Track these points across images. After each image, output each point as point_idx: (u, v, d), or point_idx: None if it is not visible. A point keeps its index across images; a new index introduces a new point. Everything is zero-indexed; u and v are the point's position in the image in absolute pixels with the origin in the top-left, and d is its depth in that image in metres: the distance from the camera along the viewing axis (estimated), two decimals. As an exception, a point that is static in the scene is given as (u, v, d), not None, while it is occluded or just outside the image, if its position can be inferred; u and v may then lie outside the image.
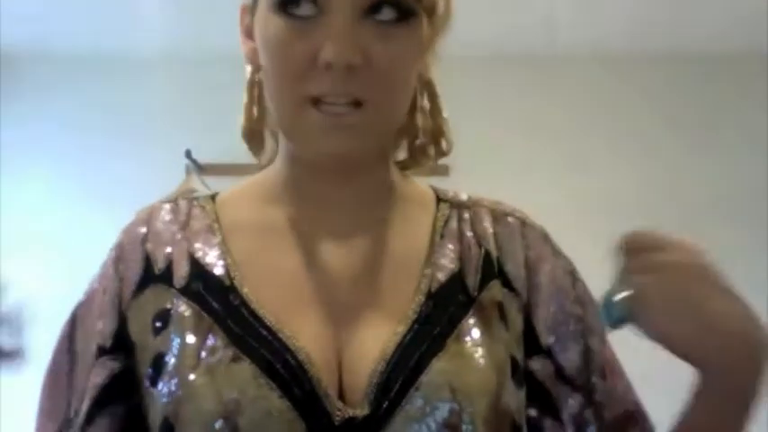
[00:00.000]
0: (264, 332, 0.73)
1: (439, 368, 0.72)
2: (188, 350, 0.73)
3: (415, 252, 0.81)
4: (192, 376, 0.72)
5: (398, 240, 0.81)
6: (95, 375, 0.78)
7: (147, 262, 0.80)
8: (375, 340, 0.74)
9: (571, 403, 0.79)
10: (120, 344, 0.78)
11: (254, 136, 0.86)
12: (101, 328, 0.79)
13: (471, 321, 0.76)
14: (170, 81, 3.02)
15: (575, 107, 3.12)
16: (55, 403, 0.80)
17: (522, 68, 3.09)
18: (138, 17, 2.72)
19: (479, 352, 0.74)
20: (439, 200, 0.86)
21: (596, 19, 2.85)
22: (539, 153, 3.07)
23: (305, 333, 0.74)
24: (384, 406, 0.71)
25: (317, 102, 0.73)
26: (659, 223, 0.78)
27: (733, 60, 3.08)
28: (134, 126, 3.05)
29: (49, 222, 3.02)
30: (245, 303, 0.76)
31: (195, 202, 0.85)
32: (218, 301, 0.76)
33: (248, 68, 0.83)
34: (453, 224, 0.84)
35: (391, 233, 0.82)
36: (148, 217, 0.84)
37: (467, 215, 0.85)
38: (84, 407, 0.77)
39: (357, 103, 0.73)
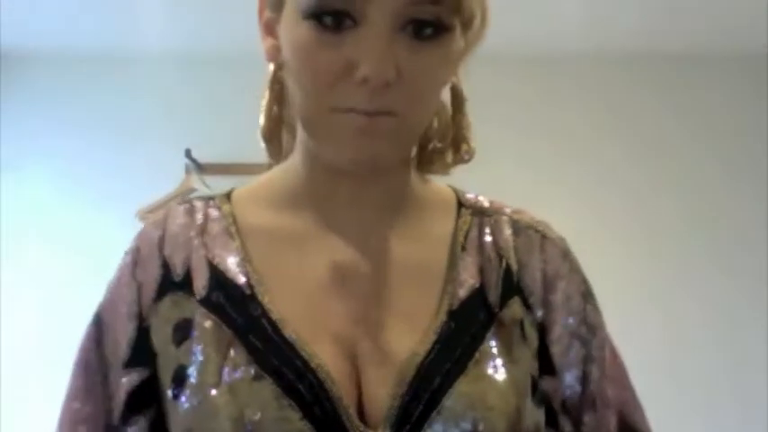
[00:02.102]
0: (285, 348, 0.72)
1: (460, 391, 0.71)
2: (209, 366, 0.72)
3: (436, 263, 0.79)
4: (213, 392, 0.71)
5: (419, 250, 0.80)
6: (123, 385, 0.77)
7: (166, 268, 0.79)
8: (395, 359, 0.72)
9: (565, 425, 0.79)
10: (142, 353, 0.77)
11: (273, 136, 0.82)
12: (121, 340, 0.78)
13: (492, 342, 0.75)
14: (170, 80, 3.02)
15: (576, 106, 3.12)
16: (93, 409, 0.78)
17: (522, 68, 3.09)
18: (139, 16, 2.72)
19: (500, 373, 0.73)
20: (460, 205, 0.85)
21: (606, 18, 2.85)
22: (539, 150, 3.07)
23: (325, 349, 0.73)
24: (406, 429, 0.70)
25: (347, 110, 0.71)
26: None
27: None
28: (134, 125, 3.05)
29: (49, 221, 3.02)
30: (265, 314, 0.74)
31: (211, 203, 0.83)
32: (239, 312, 0.75)
33: (270, 66, 0.79)
34: (474, 234, 0.82)
35: (411, 242, 0.80)
36: (164, 220, 0.82)
37: (488, 225, 0.83)
38: (116, 415, 0.77)
39: (386, 113, 0.71)
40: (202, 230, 0.80)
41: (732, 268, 3.00)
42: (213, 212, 0.82)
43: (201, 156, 2.92)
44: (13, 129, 3.07)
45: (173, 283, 0.78)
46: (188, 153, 2.91)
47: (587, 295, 0.83)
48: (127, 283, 0.80)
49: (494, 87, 3.06)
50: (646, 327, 2.93)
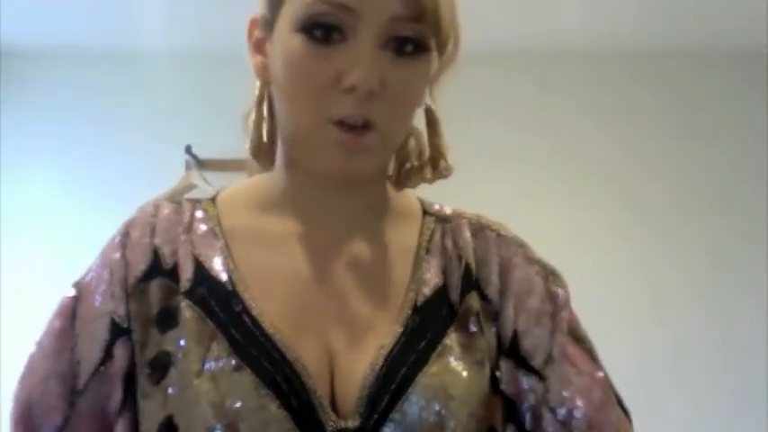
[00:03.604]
0: (264, 341, 0.77)
1: (424, 382, 0.77)
2: (192, 355, 0.76)
3: (402, 266, 0.85)
4: (195, 381, 0.74)
5: (389, 253, 0.86)
6: (120, 358, 0.80)
7: (156, 255, 0.83)
8: (364, 353, 0.78)
9: (530, 397, 0.83)
10: (128, 325, 0.81)
11: (264, 152, 0.86)
12: (113, 308, 0.81)
13: (453, 335, 0.81)
14: (170, 77, 3.02)
15: (576, 104, 3.12)
16: (60, 367, 0.81)
17: (522, 66, 3.09)
18: (139, 13, 2.72)
19: (461, 365, 0.79)
20: (425, 213, 0.90)
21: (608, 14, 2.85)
22: (537, 148, 3.07)
23: (301, 343, 0.77)
24: (374, 418, 0.75)
25: (335, 122, 0.77)
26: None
27: None
28: (134, 121, 3.05)
29: (49, 218, 3.01)
30: (246, 310, 0.79)
31: (197, 205, 0.87)
32: (221, 306, 0.79)
33: (257, 83, 0.85)
34: (437, 238, 0.88)
35: (383, 246, 0.86)
36: (155, 211, 0.86)
37: (449, 230, 0.89)
38: (117, 394, 0.79)
39: (368, 125, 0.77)
40: (189, 228, 0.85)
41: (731, 263, 3.01)
42: (199, 213, 0.86)
43: (202, 152, 2.92)
44: (13, 127, 3.06)
45: (162, 270, 0.82)
46: (188, 149, 2.91)
47: (550, 276, 0.88)
48: (115, 259, 0.83)
49: (494, 83, 3.07)
50: (649, 320, 2.94)
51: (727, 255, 3.02)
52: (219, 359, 0.75)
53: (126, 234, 0.84)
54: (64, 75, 3.10)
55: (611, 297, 2.92)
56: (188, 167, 2.94)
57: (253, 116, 0.85)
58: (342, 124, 0.76)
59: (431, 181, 0.88)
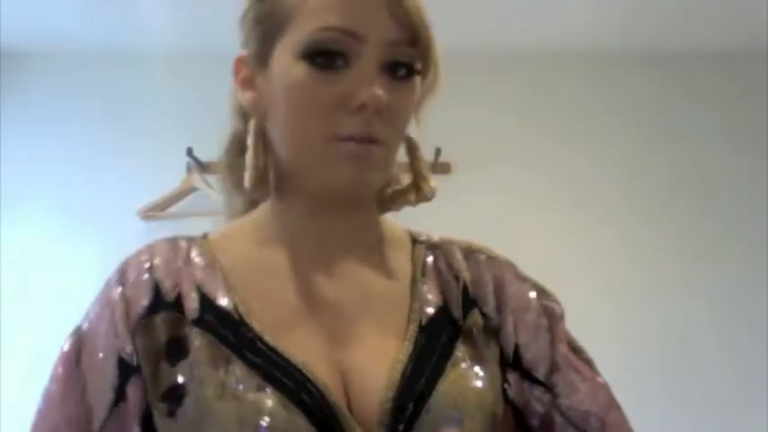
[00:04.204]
0: (282, 362, 0.78)
1: (443, 390, 0.80)
2: (208, 381, 0.77)
3: (400, 289, 0.88)
4: (217, 406, 0.75)
5: (386, 276, 0.89)
6: (134, 397, 0.80)
7: (157, 289, 0.84)
8: (378, 369, 0.80)
9: (538, 407, 0.87)
10: (137, 362, 0.81)
11: (262, 185, 0.87)
12: (119, 346, 0.81)
13: (462, 348, 0.84)
14: (172, 79, 3.02)
15: (578, 103, 3.13)
16: (71, 413, 0.81)
17: (524, 65, 3.09)
18: (141, 14, 2.72)
19: (474, 373, 0.83)
20: (414, 241, 0.94)
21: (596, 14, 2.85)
22: (539, 149, 3.08)
23: (315, 364, 0.79)
24: (400, 428, 0.77)
25: (344, 139, 0.80)
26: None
27: None
28: (135, 123, 3.05)
29: (50, 214, 3.01)
30: (258, 336, 0.80)
31: (193, 242, 0.89)
32: (233, 333, 0.80)
33: (251, 121, 0.87)
34: (430, 262, 0.92)
35: (379, 269, 0.89)
36: (150, 251, 0.88)
37: (441, 254, 0.93)
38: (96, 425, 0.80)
39: (373, 141, 0.81)
40: (187, 261, 0.86)
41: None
42: (195, 249, 0.88)
43: (203, 154, 2.92)
44: (13, 127, 3.07)
45: (165, 303, 0.83)
46: (189, 151, 2.91)
47: (541, 292, 0.93)
48: (115, 300, 0.83)
49: (494, 84, 3.07)
50: (653, 308, 2.94)
51: (727, 255, 3.02)
52: (240, 381, 0.76)
53: (123, 273, 0.85)
54: (64, 76, 3.10)
55: (612, 285, 2.93)
56: (189, 170, 2.95)
57: (251, 152, 0.86)
58: (351, 139, 0.80)
59: (414, 204, 0.91)
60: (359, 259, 0.88)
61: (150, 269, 0.85)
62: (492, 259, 0.94)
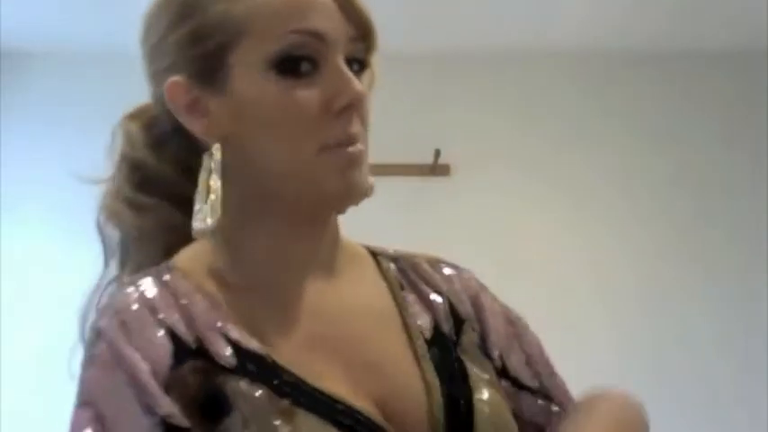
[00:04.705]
0: (341, 407, 0.74)
1: (480, 405, 0.79)
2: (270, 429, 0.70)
3: (387, 304, 0.86)
4: None
5: (366, 292, 0.86)
6: None
7: (172, 334, 0.73)
8: (412, 390, 0.79)
9: (531, 408, 0.87)
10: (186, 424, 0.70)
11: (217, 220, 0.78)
12: (165, 412, 0.69)
13: (470, 365, 0.83)
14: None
15: (577, 104, 3.13)
16: None
17: (523, 66, 3.10)
18: (141, 14, 2.71)
19: (490, 389, 0.82)
20: (373, 254, 0.91)
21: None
22: (538, 150, 3.08)
23: (357, 400, 0.75)
24: None
25: (333, 148, 0.77)
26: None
27: None
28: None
29: (49, 213, 3.02)
30: (294, 376, 0.74)
31: (172, 272, 0.78)
32: (277, 379, 0.73)
33: (214, 149, 0.78)
34: (399, 274, 0.89)
35: (357, 285, 0.86)
36: (139, 290, 0.76)
37: (407, 267, 0.90)
38: None
39: (356, 141, 0.78)
40: (184, 298, 0.76)
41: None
42: (181, 282, 0.78)
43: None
44: (13, 127, 3.07)
45: (189, 350, 0.73)
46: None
47: (497, 301, 0.92)
48: (131, 363, 0.71)
49: (493, 85, 3.07)
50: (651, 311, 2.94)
51: (725, 256, 3.02)
52: (300, 427, 0.70)
53: (123, 324, 0.73)
54: (64, 76, 3.11)
55: (611, 282, 2.93)
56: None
57: (217, 184, 0.77)
58: (339, 146, 0.77)
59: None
60: (336, 277, 0.84)
61: (151, 309, 0.74)
62: (458, 270, 0.93)
